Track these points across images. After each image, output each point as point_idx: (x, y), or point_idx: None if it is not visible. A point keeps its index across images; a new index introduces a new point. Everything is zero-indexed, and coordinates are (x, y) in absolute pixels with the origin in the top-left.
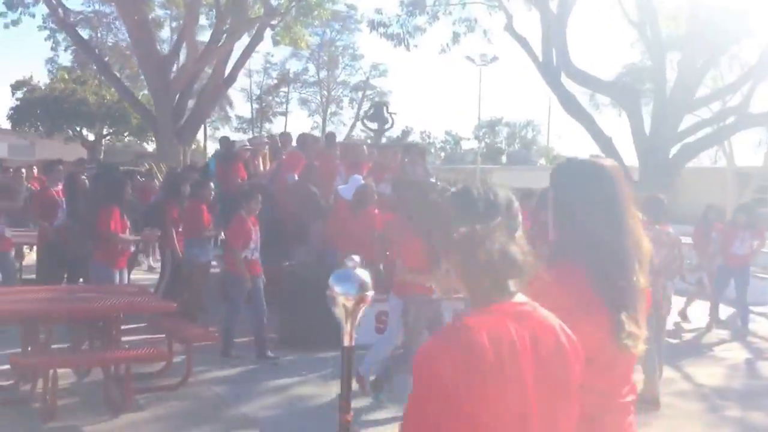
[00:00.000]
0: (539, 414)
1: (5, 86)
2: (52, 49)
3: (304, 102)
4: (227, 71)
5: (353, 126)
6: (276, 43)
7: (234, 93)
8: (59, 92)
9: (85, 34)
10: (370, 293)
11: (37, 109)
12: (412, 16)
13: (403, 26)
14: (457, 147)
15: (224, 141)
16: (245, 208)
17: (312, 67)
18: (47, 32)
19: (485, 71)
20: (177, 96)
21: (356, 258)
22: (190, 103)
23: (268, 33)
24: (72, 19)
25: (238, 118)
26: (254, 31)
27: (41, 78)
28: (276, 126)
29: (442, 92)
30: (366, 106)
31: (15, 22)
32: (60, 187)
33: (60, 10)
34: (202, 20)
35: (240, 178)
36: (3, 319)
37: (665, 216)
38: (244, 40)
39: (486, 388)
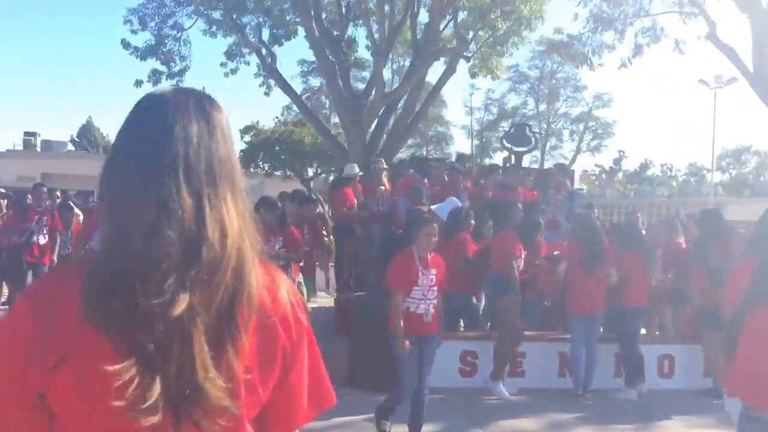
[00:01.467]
0: None
1: (235, 131)
2: (266, 94)
3: None
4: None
5: (574, 159)
6: (473, 75)
7: (455, 131)
8: (279, 134)
9: (316, 81)
10: None
11: (261, 151)
12: (597, 33)
13: (587, 44)
14: (700, 179)
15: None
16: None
17: (531, 101)
18: (261, 79)
19: (726, 95)
20: (369, 132)
21: None
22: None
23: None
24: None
25: (460, 156)
26: (446, 65)
27: (267, 122)
28: (495, 161)
29: (677, 120)
30: (588, 137)
31: (233, 71)
32: None
33: (268, 59)
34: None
35: (346, 205)
36: None
37: None
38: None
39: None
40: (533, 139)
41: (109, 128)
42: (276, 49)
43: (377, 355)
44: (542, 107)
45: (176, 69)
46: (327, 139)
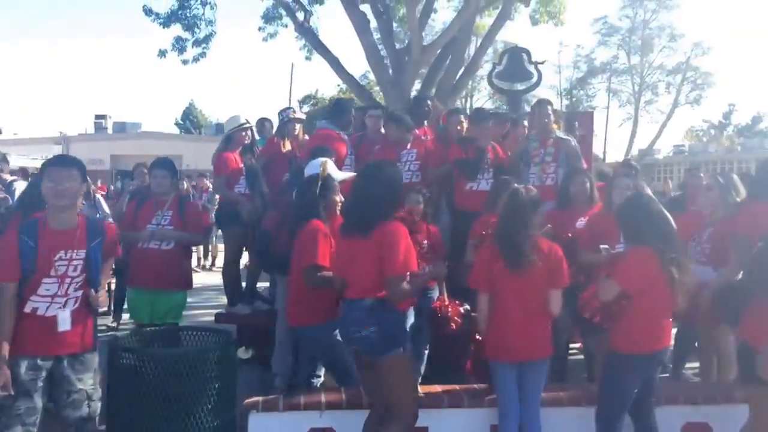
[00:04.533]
0: None
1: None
2: (307, 58)
3: (614, 93)
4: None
5: (671, 113)
6: (535, 22)
7: (544, 92)
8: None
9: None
10: None
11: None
12: None
13: None
14: None
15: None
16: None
17: (623, 54)
18: (302, 42)
19: None
20: (412, 90)
21: None
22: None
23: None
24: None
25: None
26: (498, 11)
27: (327, 91)
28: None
29: None
30: (686, 89)
31: (272, 35)
32: None
33: (299, 16)
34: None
35: (226, 171)
36: None
37: None
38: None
39: None
40: (536, 72)
41: (211, 110)
42: (317, 8)
43: None
44: (635, 60)
45: (201, 35)
46: (366, 100)
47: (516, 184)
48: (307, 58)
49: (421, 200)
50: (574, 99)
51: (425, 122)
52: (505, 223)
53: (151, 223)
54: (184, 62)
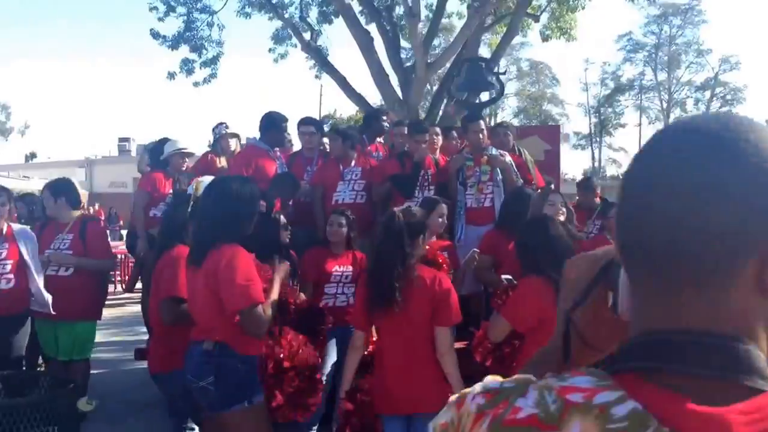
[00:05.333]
0: None
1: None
2: (316, 77)
3: (643, 110)
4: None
5: None
6: (546, 38)
7: (572, 110)
8: (355, 122)
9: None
10: None
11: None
12: None
13: None
14: None
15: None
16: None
17: (649, 70)
18: (312, 61)
19: None
20: (421, 110)
21: None
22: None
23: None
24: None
25: (576, 134)
26: (506, 27)
27: (346, 110)
28: (616, 140)
29: None
30: (716, 105)
31: (283, 56)
32: None
33: (306, 35)
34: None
35: (151, 189)
36: None
37: None
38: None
39: None
40: (498, 83)
41: (242, 132)
42: (326, 27)
43: None
44: (662, 76)
45: (209, 56)
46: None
47: (441, 204)
48: (317, 77)
49: (344, 223)
50: (602, 117)
51: (379, 138)
52: (377, 253)
53: (50, 247)
54: (195, 84)
